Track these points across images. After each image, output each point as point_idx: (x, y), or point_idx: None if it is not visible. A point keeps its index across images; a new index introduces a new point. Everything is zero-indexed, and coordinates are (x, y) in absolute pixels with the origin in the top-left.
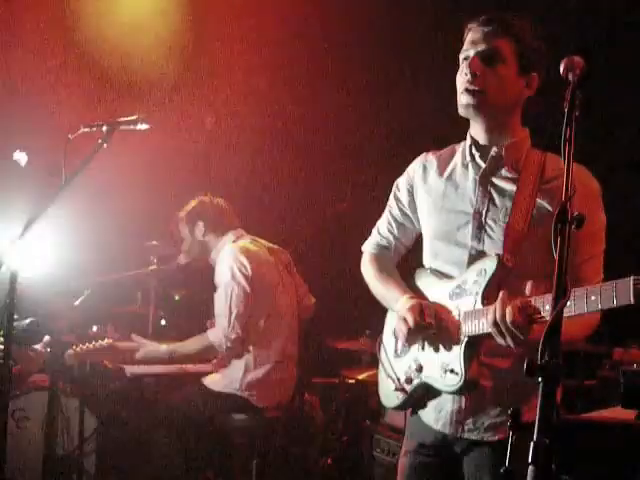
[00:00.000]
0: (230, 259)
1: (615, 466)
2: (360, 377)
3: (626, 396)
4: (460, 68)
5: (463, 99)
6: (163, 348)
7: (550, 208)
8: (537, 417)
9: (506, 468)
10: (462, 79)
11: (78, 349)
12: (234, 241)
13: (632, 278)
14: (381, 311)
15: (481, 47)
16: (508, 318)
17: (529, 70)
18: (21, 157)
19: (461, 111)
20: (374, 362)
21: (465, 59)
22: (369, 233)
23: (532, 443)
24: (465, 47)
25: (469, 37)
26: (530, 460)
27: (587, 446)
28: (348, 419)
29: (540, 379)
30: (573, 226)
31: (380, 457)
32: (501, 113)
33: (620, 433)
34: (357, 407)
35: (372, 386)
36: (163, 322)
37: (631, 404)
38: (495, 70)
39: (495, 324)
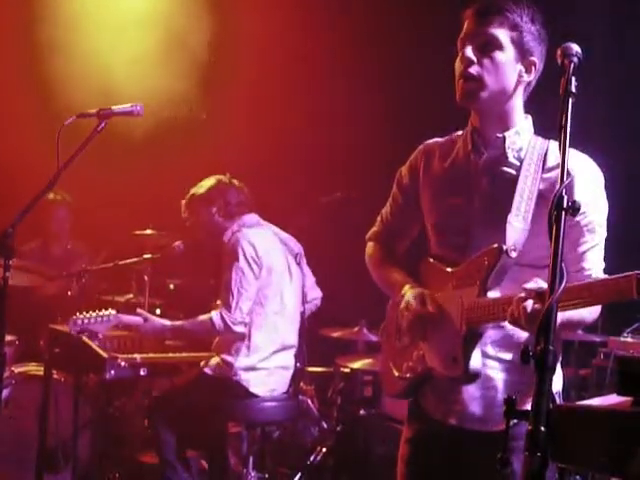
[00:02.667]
0: (242, 242)
1: (611, 454)
2: (355, 366)
3: (622, 383)
4: (459, 51)
5: (460, 86)
6: (166, 326)
7: (551, 196)
8: (532, 405)
9: (502, 457)
10: (458, 67)
11: (80, 320)
12: (248, 227)
13: (635, 273)
14: (377, 300)
15: (477, 35)
16: (529, 307)
17: (527, 55)
18: None
19: (459, 99)
20: (369, 351)
21: (462, 47)
22: (365, 222)
23: (527, 431)
24: (462, 35)
25: (465, 25)
26: (525, 448)
27: (583, 434)
28: (343, 408)
29: (535, 367)
30: (569, 214)
31: (375, 446)
32: (499, 100)
33: (616, 421)
34: (352, 396)
35: (367, 375)
36: (158, 311)
37: (627, 391)
38: (491, 57)
39: (514, 316)
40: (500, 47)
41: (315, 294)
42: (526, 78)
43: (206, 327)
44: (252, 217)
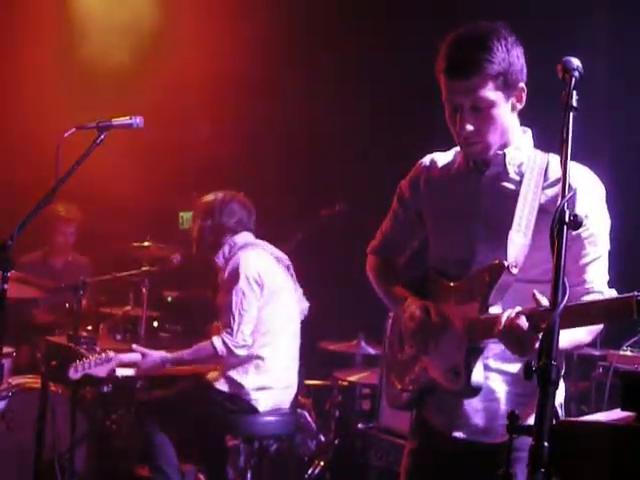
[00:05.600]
0: (242, 264)
1: (614, 470)
2: (353, 379)
3: (625, 398)
4: (448, 111)
5: (466, 151)
6: (166, 358)
7: (553, 211)
8: (535, 420)
9: (506, 470)
10: (456, 131)
11: (80, 366)
12: (241, 247)
13: (635, 295)
14: (375, 313)
15: (466, 100)
16: (515, 328)
17: (515, 86)
18: None
19: (466, 158)
20: (367, 364)
21: (451, 110)
22: (364, 235)
23: (530, 447)
24: (449, 95)
25: (450, 86)
26: (528, 464)
27: (586, 449)
28: (341, 421)
29: (538, 382)
30: (571, 228)
31: (373, 459)
32: (501, 139)
33: (619, 436)
34: (350, 409)
35: (365, 388)
36: (155, 323)
37: (630, 406)
38: (487, 115)
39: (502, 334)
40: (492, 104)
41: (302, 305)
42: (519, 106)
43: (208, 353)
44: (244, 236)
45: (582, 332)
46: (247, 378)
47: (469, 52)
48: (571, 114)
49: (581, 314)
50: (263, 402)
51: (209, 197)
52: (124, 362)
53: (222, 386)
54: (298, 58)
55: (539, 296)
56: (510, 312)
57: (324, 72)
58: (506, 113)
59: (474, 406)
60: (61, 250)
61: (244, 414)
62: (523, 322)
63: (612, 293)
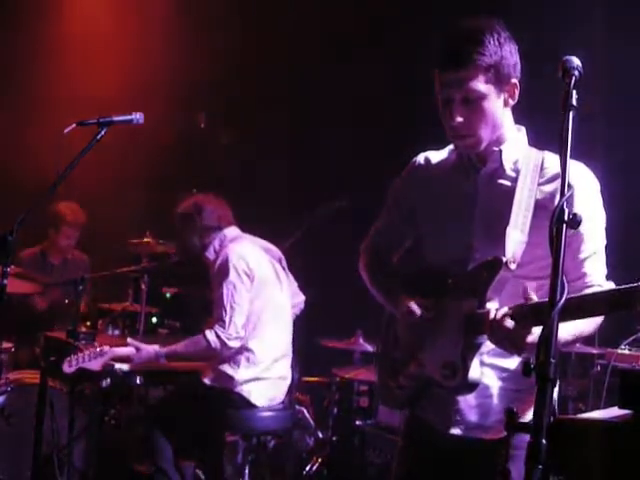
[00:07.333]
0: (232, 257)
1: (611, 467)
2: (351, 376)
3: (623, 396)
4: (440, 105)
5: (456, 144)
6: (160, 353)
7: (550, 207)
8: (533, 417)
9: (503, 467)
10: (447, 124)
11: (74, 359)
12: (231, 240)
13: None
14: (373, 310)
15: (457, 92)
16: (501, 329)
17: (507, 81)
18: None
19: (459, 150)
20: (365, 361)
21: (444, 101)
22: (363, 232)
23: (527, 443)
24: (441, 88)
25: (442, 78)
26: (526, 461)
27: (583, 447)
28: (339, 418)
29: (536, 379)
30: (570, 227)
31: (371, 456)
32: (492, 133)
33: (616, 434)
34: (348, 406)
35: (363, 385)
36: (154, 319)
37: (628, 404)
38: (478, 107)
39: (490, 336)
40: (482, 97)
41: (298, 299)
42: (512, 102)
43: (201, 347)
44: (232, 230)
45: (583, 322)
46: (238, 371)
47: (461, 45)
48: (571, 114)
49: (583, 306)
50: (257, 395)
51: (182, 206)
52: (118, 355)
53: (211, 382)
54: (299, 54)
55: (532, 294)
56: (495, 313)
57: (322, 69)
58: (498, 107)
59: (469, 402)
60: (63, 251)
61: (239, 409)
62: (508, 322)
63: (610, 285)
